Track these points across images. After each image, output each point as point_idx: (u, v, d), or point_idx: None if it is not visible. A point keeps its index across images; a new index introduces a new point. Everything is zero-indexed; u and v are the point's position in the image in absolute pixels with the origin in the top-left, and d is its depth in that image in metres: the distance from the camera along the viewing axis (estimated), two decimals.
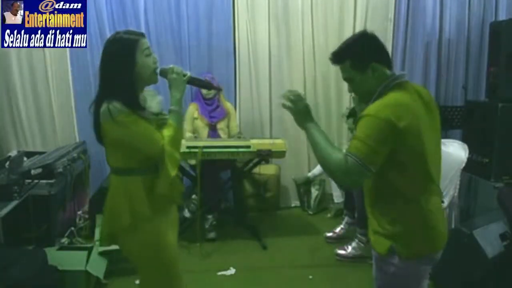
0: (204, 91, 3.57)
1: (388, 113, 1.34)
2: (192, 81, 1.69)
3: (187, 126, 3.61)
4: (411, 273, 1.49)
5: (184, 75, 1.65)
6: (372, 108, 1.39)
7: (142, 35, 1.62)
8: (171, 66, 1.65)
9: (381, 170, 1.39)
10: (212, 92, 3.57)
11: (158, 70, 1.63)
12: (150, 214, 1.59)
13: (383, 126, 1.34)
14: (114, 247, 1.77)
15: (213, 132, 3.64)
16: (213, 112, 3.66)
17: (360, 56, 1.48)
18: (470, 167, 3.13)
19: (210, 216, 3.44)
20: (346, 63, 1.49)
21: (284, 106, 1.52)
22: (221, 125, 3.68)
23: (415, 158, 1.41)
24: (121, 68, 1.56)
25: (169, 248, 1.69)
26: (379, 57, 1.49)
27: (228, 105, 3.77)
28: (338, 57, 1.53)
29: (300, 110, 1.51)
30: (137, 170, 1.59)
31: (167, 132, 1.57)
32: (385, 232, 1.47)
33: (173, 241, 1.74)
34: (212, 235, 3.39)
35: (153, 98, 1.69)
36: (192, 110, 3.67)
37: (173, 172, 1.55)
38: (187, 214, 3.63)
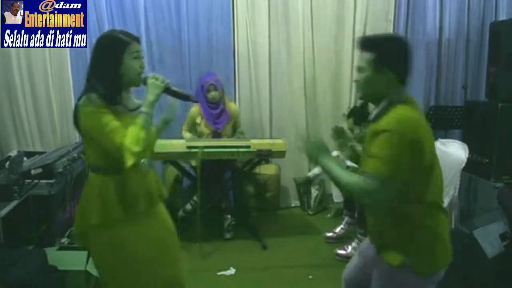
0: (209, 95, 3.45)
1: (405, 129, 1.33)
2: (169, 90, 1.68)
3: (186, 126, 3.59)
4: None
5: (163, 82, 1.64)
6: (386, 122, 1.37)
7: (136, 39, 1.65)
8: (153, 74, 1.65)
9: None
10: (218, 95, 3.46)
11: (142, 76, 1.65)
12: (121, 216, 1.59)
13: (402, 143, 1.32)
14: None
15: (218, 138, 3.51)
16: (219, 118, 3.51)
17: (385, 57, 1.45)
18: (470, 167, 3.13)
19: (228, 216, 3.45)
20: (368, 54, 1.47)
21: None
22: (225, 131, 3.55)
23: (431, 171, 1.42)
24: (105, 64, 1.59)
25: (138, 254, 1.65)
26: (399, 67, 1.47)
27: (232, 106, 3.65)
28: (365, 45, 1.50)
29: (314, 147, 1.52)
30: (109, 169, 1.60)
31: (130, 130, 1.55)
32: (400, 245, 1.44)
33: (147, 248, 1.68)
34: (230, 235, 3.41)
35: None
36: (195, 114, 3.54)
37: (130, 161, 1.49)
38: (180, 213, 3.63)
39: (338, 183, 1.42)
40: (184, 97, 1.74)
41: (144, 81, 1.64)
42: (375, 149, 1.35)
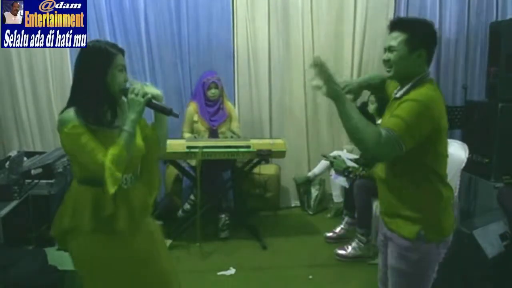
0: (209, 93, 3.48)
1: (430, 102, 1.45)
2: (150, 104, 1.62)
3: (185, 127, 3.59)
4: (433, 259, 1.59)
5: (143, 96, 1.57)
6: (415, 95, 1.48)
7: (122, 51, 1.61)
8: (133, 86, 1.59)
9: (418, 154, 1.47)
10: (217, 93, 3.50)
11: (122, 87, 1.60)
12: (89, 229, 1.56)
13: (425, 112, 1.42)
14: None
15: (214, 136, 3.53)
16: (214, 116, 3.55)
17: (419, 37, 1.54)
18: (470, 167, 3.13)
19: (223, 216, 3.45)
20: (403, 34, 1.53)
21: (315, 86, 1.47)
22: (222, 129, 3.57)
23: (443, 148, 1.56)
24: (89, 77, 1.55)
25: (102, 268, 1.63)
26: (430, 50, 1.57)
27: (229, 106, 3.68)
28: (402, 25, 1.57)
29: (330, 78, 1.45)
30: (89, 181, 1.57)
31: (112, 150, 1.51)
32: (415, 216, 1.54)
33: (119, 266, 1.64)
34: (225, 234, 3.41)
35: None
36: (192, 112, 3.56)
37: (112, 189, 1.47)
38: (180, 214, 3.64)
39: (353, 125, 1.42)
40: (165, 111, 1.66)
41: (124, 93, 1.60)
42: (399, 111, 1.44)
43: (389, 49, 1.56)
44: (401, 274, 1.60)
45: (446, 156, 1.60)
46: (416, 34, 1.53)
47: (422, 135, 1.44)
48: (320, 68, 1.43)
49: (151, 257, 1.71)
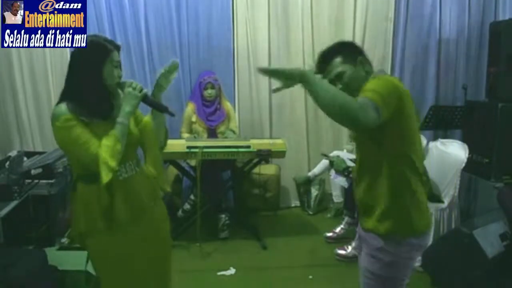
0: (206, 93, 3.50)
1: (392, 78, 1.49)
2: (146, 100, 1.64)
3: (184, 127, 3.59)
4: (405, 263, 1.56)
5: (140, 91, 1.60)
6: (375, 78, 1.48)
7: (118, 47, 1.63)
8: (131, 81, 1.62)
9: (388, 142, 1.47)
10: (214, 93, 3.50)
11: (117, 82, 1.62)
12: (104, 226, 1.57)
13: (390, 85, 1.42)
14: None
15: (212, 136, 3.53)
16: (212, 116, 3.55)
17: (350, 50, 1.59)
18: (470, 167, 3.14)
19: (223, 216, 3.45)
20: (336, 59, 1.57)
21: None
22: (220, 129, 3.56)
23: (416, 136, 1.53)
24: (83, 72, 1.56)
25: (119, 261, 1.64)
26: (361, 52, 1.62)
27: (228, 106, 3.68)
28: (329, 55, 1.59)
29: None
30: (89, 178, 1.57)
31: (105, 141, 1.52)
32: (386, 210, 1.51)
33: (130, 258, 1.65)
34: (224, 234, 3.41)
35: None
36: (190, 113, 3.56)
37: (106, 178, 1.48)
38: (180, 214, 3.63)
39: (331, 96, 1.32)
40: (161, 109, 1.69)
41: (120, 87, 1.61)
42: (367, 87, 1.41)
43: (337, 77, 1.56)
44: (372, 276, 1.57)
45: (421, 150, 1.57)
46: (346, 49, 1.59)
47: (393, 105, 1.40)
48: (269, 72, 1.45)
49: (147, 245, 1.70)
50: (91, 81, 1.56)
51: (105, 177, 1.48)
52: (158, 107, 1.69)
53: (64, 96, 1.57)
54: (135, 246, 1.65)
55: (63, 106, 1.53)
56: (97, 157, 1.49)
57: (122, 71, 1.65)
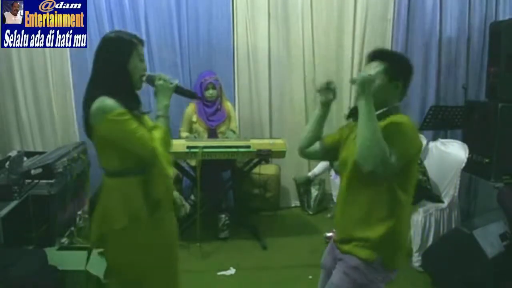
0: (207, 93, 3.48)
1: (412, 124, 1.50)
2: (178, 90, 1.68)
3: (183, 126, 3.59)
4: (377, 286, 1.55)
5: (171, 83, 1.64)
6: (397, 118, 1.49)
7: (142, 42, 1.67)
8: (159, 73, 1.66)
9: (391, 179, 1.46)
10: (215, 93, 3.50)
11: (144, 77, 1.64)
12: (147, 215, 1.58)
13: (419, 145, 1.50)
14: None
15: (213, 136, 3.53)
16: (213, 116, 3.54)
17: (398, 69, 1.56)
18: (470, 167, 3.13)
19: (223, 216, 3.44)
20: (383, 63, 1.55)
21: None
22: (221, 129, 3.55)
23: (415, 175, 1.56)
24: (118, 66, 1.57)
25: (154, 251, 1.65)
26: (406, 83, 1.58)
27: (228, 106, 3.67)
28: (383, 54, 1.60)
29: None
30: (131, 171, 1.58)
31: (157, 134, 1.56)
32: (377, 240, 1.49)
33: (159, 253, 1.68)
34: (224, 234, 3.41)
35: None
36: (190, 113, 3.56)
37: (170, 170, 1.57)
38: (181, 213, 3.62)
39: (370, 131, 1.40)
40: (191, 95, 1.83)
41: (149, 80, 1.64)
42: (395, 138, 1.43)
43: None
44: None
45: (414, 183, 1.57)
46: (395, 65, 1.55)
47: (411, 160, 1.47)
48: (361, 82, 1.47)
49: (175, 242, 1.76)
50: (118, 76, 1.56)
51: (170, 170, 1.57)
52: (189, 94, 1.82)
53: (99, 91, 1.53)
54: (174, 237, 1.73)
55: (110, 100, 1.51)
56: (154, 150, 1.53)
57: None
